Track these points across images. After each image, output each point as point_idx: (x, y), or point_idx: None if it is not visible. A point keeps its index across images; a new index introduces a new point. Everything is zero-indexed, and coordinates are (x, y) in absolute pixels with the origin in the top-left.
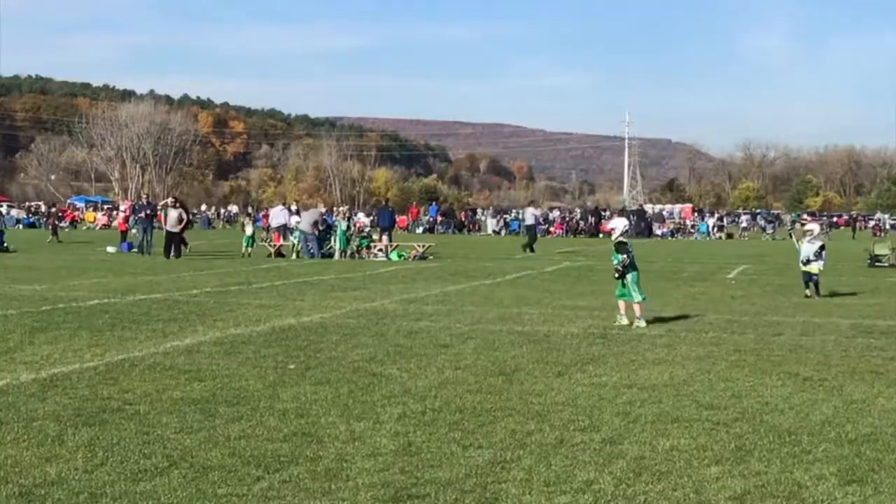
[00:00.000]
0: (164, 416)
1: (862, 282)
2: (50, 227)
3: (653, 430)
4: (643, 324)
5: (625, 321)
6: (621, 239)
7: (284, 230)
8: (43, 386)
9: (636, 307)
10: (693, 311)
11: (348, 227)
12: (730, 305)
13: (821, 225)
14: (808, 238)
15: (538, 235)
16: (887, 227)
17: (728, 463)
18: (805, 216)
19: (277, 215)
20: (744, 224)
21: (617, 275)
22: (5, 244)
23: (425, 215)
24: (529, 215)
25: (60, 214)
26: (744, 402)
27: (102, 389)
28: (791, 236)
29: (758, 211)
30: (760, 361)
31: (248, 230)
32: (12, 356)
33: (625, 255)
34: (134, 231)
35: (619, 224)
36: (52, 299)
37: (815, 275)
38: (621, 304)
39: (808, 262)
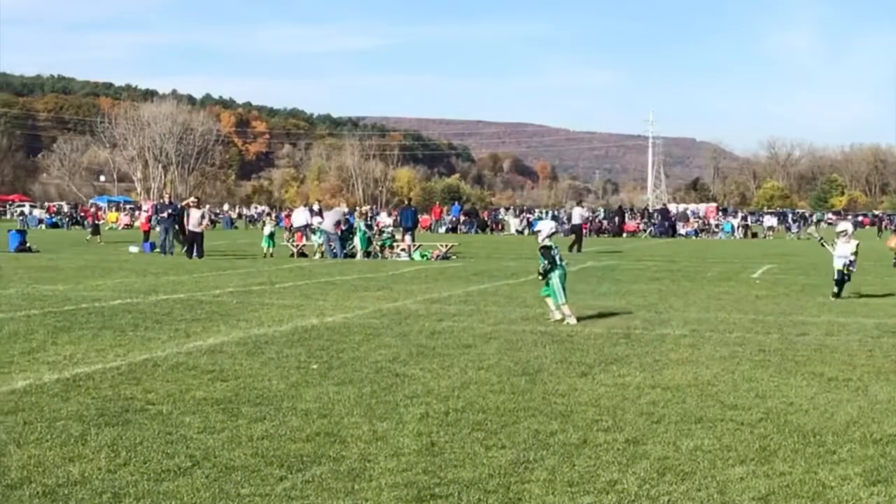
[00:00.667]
0: (187, 416)
1: (887, 281)
2: (90, 225)
3: (677, 431)
4: (573, 321)
5: (557, 316)
6: (547, 242)
7: (307, 230)
8: (66, 386)
9: (560, 306)
10: (717, 310)
11: (370, 227)
12: (754, 305)
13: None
14: (842, 239)
15: (584, 236)
16: None
17: (752, 463)
18: (830, 215)
19: (299, 216)
20: (768, 223)
21: (540, 276)
22: (28, 244)
23: (448, 215)
24: (577, 215)
25: (83, 214)
26: (768, 402)
27: (125, 389)
28: (823, 244)
29: (783, 210)
30: (785, 362)
31: (267, 229)
32: (35, 356)
33: (546, 261)
34: (156, 231)
35: (545, 227)
36: (75, 299)
37: (847, 275)
38: (549, 300)
39: (850, 264)
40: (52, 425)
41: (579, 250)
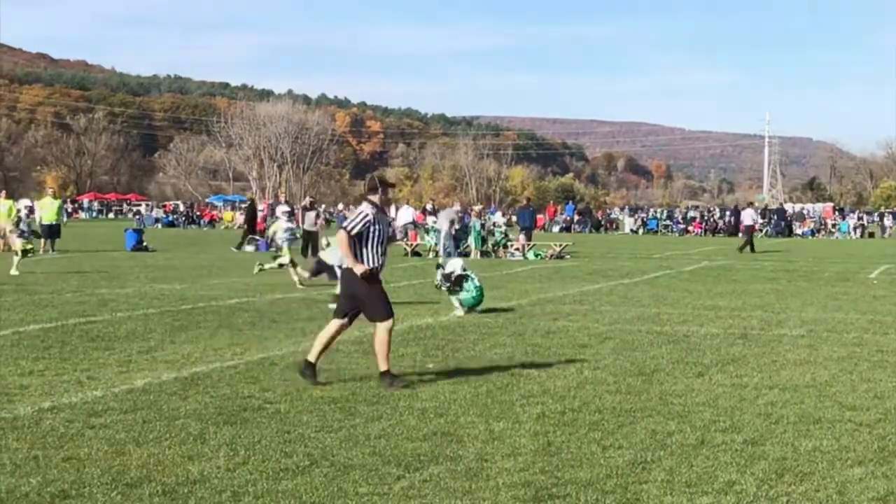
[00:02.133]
0: (304, 414)
1: None
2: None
3: (795, 432)
4: (460, 313)
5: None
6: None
7: (418, 228)
8: (184, 385)
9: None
10: (834, 311)
11: (483, 226)
12: (872, 305)
13: None
14: None
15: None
16: None
17: (871, 464)
18: None
19: (404, 214)
20: (889, 223)
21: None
22: (144, 243)
23: (562, 214)
24: (747, 216)
25: (199, 213)
26: (887, 402)
27: (243, 388)
28: None
29: None
30: None
31: None
32: (153, 355)
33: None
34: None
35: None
36: (192, 298)
37: None
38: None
39: None
40: (170, 424)
41: (752, 250)
